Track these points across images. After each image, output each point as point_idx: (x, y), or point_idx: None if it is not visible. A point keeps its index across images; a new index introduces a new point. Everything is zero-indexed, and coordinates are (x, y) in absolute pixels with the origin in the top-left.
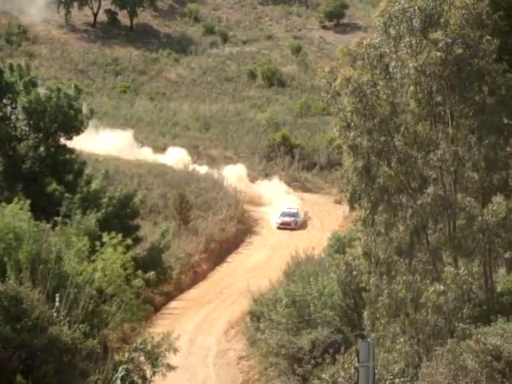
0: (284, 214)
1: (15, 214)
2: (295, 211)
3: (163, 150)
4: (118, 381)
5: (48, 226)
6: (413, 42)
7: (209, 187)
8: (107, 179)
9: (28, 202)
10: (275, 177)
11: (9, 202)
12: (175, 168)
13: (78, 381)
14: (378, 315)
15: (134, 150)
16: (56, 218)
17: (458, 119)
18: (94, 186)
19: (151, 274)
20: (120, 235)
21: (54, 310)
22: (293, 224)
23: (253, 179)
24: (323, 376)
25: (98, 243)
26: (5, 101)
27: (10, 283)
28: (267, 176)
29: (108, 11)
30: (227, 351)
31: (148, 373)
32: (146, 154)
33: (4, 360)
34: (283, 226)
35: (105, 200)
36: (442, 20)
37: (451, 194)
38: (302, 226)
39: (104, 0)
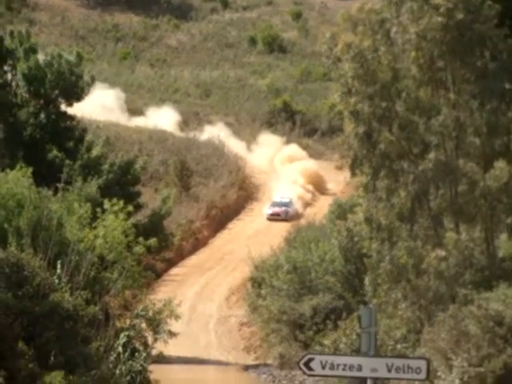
0: (274, 204)
1: (17, 180)
2: (287, 201)
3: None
4: (120, 347)
5: (49, 192)
6: (414, 8)
7: (210, 154)
8: (108, 146)
9: (29, 169)
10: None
11: (10, 169)
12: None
13: (79, 347)
14: (379, 281)
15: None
16: (57, 185)
17: (460, 84)
18: (94, 152)
19: (152, 241)
20: (121, 202)
21: (55, 277)
22: (283, 214)
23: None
24: (325, 342)
25: (99, 210)
26: (5, 67)
27: (11, 250)
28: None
29: None
30: (228, 318)
31: (149, 339)
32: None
33: (5, 327)
34: (273, 217)
35: (105, 167)
36: None
37: (453, 159)
38: (297, 216)
39: None
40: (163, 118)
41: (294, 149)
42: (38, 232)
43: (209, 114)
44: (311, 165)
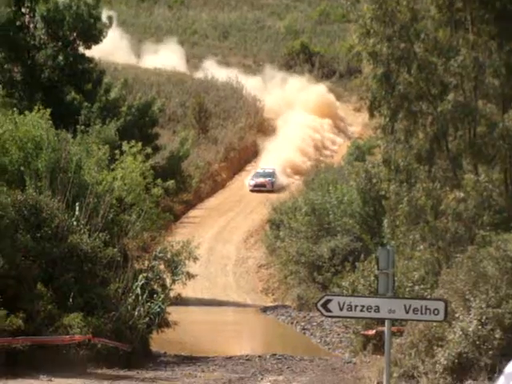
0: (258, 175)
1: (35, 122)
2: (271, 171)
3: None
4: (138, 289)
5: (68, 135)
6: None
7: (228, 96)
8: (126, 88)
9: (48, 110)
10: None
11: (28, 111)
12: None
13: (98, 289)
14: (397, 223)
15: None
16: (77, 127)
17: (479, 25)
18: (112, 94)
19: (171, 183)
20: (139, 144)
21: (73, 219)
22: (268, 185)
23: None
24: (343, 283)
25: (117, 152)
26: (23, 10)
27: (29, 192)
28: None
29: None
30: (247, 259)
31: (168, 281)
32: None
33: (24, 269)
34: (257, 188)
35: (124, 109)
36: None
37: (471, 100)
38: (282, 187)
39: None
40: (180, 60)
41: (319, 90)
42: (56, 174)
43: (227, 55)
44: (334, 105)
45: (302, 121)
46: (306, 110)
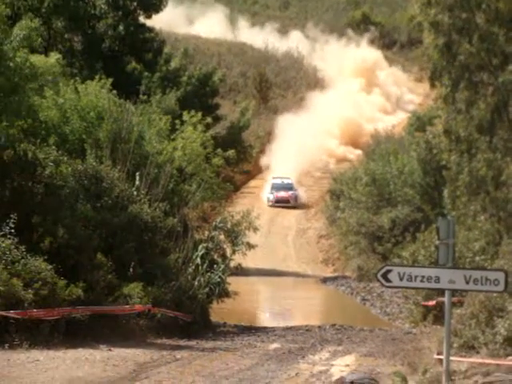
0: (277, 187)
1: (97, 92)
2: (290, 182)
3: None
4: (198, 259)
5: (129, 105)
6: None
7: (288, 66)
8: (186, 58)
9: (110, 80)
10: None
11: (89, 80)
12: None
13: (158, 259)
14: (458, 193)
15: None
16: (140, 97)
17: None
18: (173, 64)
19: (231, 153)
20: (200, 114)
21: (134, 189)
22: (292, 200)
23: None
24: (403, 254)
25: (177, 122)
26: None
27: (89, 162)
28: None
29: None
30: (307, 230)
31: (228, 251)
32: None
33: (84, 239)
34: (280, 204)
35: (184, 79)
36: None
37: None
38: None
39: None
40: (241, 30)
41: (374, 55)
42: (117, 144)
43: (287, 25)
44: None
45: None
46: (354, 75)
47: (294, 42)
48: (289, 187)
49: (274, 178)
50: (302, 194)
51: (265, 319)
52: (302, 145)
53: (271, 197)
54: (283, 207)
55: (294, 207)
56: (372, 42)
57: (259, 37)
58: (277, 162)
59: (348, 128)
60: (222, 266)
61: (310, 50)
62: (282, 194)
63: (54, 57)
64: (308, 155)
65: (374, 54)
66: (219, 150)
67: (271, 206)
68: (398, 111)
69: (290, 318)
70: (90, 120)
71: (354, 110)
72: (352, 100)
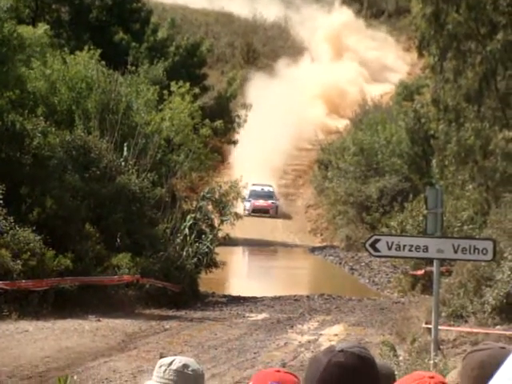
0: (256, 195)
1: (86, 63)
2: (271, 190)
3: None
4: (186, 229)
5: (117, 75)
6: None
7: (276, 35)
8: (174, 28)
9: (98, 51)
10: None
11: (76, 51)
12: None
13: (146, 229)
14: (446, 163)
15: None
16: (128, 67)
17: None
18: (160, 34)
19: (219, 123)
20: (187, 84)
21: (122, 160)
22: (272, 211)
23: None
24: (391, 223)
25: (165, 93)
26: None
27: (77, 133)
28: None
29: None
30: (295, 200)
31: (216, 221)
32: None
33: (72, 209)
34: (257, 214)
35: (172, 49)
36: None
37: None
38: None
39: None
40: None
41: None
42: (105, 115)
43: None
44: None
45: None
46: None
47: (281, 12)
48: (269, 195)
49: (253, 184)
50: (283, 204)
51: (253, 289)
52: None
53: (248, 205)
54: (260, 217)
55: (272, 217)
56: (344, 2)
57: (246, 6)
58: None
59: (327, 96)
60: (210, 237)
61: (299, 19)
62: (261, 202)
63: (42, 27)
64: (289, 129)
65: (344, 16)
66: (207, 121)
67: (247, 215)
68: (379, 78)
69: (278, 288)
70: (79, 91)
71: (328, 78)
72: (322, 68)
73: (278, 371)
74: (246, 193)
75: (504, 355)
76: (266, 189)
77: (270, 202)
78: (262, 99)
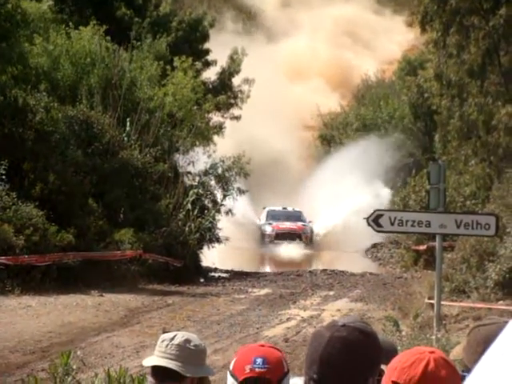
0: (275, 216)
1: (90, 38)
2: (298, 210)
3: None
4: (189, 205)
5: (121, 50)
6: None
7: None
8: (176, 3)
9: (103, 27)
10: None
11: (79, 26)
12: None
13: (148, 205)
14: (449, 138)
15: None
16: (132, 42)
17: None
18: (163, 9)
19: (221, 98)
20: (190, 59)
21: (124, 135)
22: (304, 235)
23: None
24: (394, 199)
25: (168, 68)
26: None
27: (80, 108)
28: None
29: None
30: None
31: (219, 197)
32: None
33: (75, 184)
34: (281, 241)
35: (174, 24)
36: None
37: None
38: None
39: None
40: None
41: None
42: (108, 90)
43: None
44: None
45: None
46: None
47: None
48: (296, 216)
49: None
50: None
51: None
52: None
53: (268, 229)
54: (290, 242)
55: (305, 244)
56: None
57: None
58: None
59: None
60: (213, 212)
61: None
62: (287, 225)
63: (46, 3)
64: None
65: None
66: (209, 96)
67: (270, 241)
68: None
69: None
70: (82, 66)
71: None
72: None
73: (263, 346)
74: (262, 216)
75: None
76: (290, 208)
77: (299, 224)
78: (262, 73)
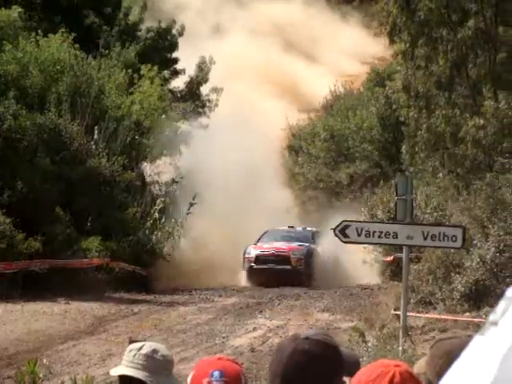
0: (277, 235)
1: (58, 46)
2: (309, 229)
3: None
4: (156, 214)
5: (89, 58)
6: None
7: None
8: (145, 11)
9: (72, 34)
10: None
11: (48, 33)
12: None
13: (116, 213)
14: (416, 149)
15: None
16: (101, 50)
17: None
18: (132, 18)
19: (187, 105)
20: (155, 67)
21: (92, 143)
22: (294, 259)
23: None
24: (361, 210)
25: (135, 76)
26: None
27: (49, 116)
28: None
29: None
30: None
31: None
32: None
33: (43, 192)
34: (264, 265)
35: (143, 33)
36: None
37: (492, 27)
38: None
39: None
40: None
41: None
42: (77, 98)
43: None
44: None
45: None
46: None
47: None
48: (305, 237)
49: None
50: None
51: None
52: None
53: (251, 251)
54: (275, 272)
55: (299, 276)
56: None
57: None
58: None
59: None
60: (180, 221)
61: None
62: (277, 245)
63: (16, 10)
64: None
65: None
66: (177, 104)
67: (249, 268)
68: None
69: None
70: (51, 74)
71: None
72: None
73: (220, 359)
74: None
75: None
76: (299, 228)
77: (295, 244)
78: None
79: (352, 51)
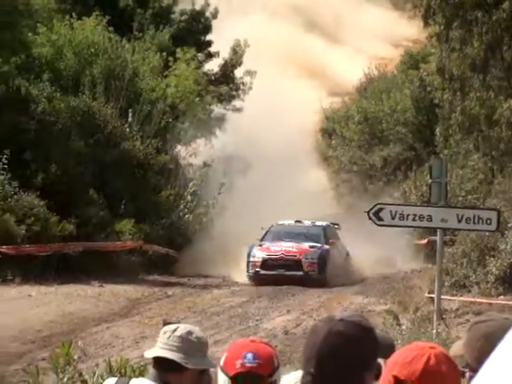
0: (284, 237)
1: (93, 29)
2: (322, 224)
3: None
4: (189, 197)
5: (123, 41)
6: None
7: None
8: None
9: (106, 18)
10: None
11: (81, 16)
12: None
13: (149, 196)
14: (450, 132)
15: None
16: (135, 33)
17: None
18: (165, 0)
19: (223, 89)
20: (192, 50)
21: (126, 126)
22: (306, 263)
23: None
24: (395, 194)
25: (171, 59)
26: None
27: (83, 98)
28: None
29: None
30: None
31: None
32: None
33: (77, 175)
34: (273, 271)
35: (176, 15)
36: None
37: None
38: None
39: None
40: None
41: None
42: (111, 81)
43: None
44: None
45: None
46: None
47: None
48: (315, 235)
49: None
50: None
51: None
52: None
53: (257, 253)
54: (284, 279)
55: (312, 283)
56: None
57: None
58: None
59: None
60: (211, 202)
61: None
62: (285, 246)
63: None
64: None
65: None
66: (212, 87)
67: (255, 273)
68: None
69: None
70: (85, 56)
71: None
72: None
73: (253, 341)
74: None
75: (508, 326)
76: (308, 223)
77: (306, 245)
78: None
79: (380, 33)
